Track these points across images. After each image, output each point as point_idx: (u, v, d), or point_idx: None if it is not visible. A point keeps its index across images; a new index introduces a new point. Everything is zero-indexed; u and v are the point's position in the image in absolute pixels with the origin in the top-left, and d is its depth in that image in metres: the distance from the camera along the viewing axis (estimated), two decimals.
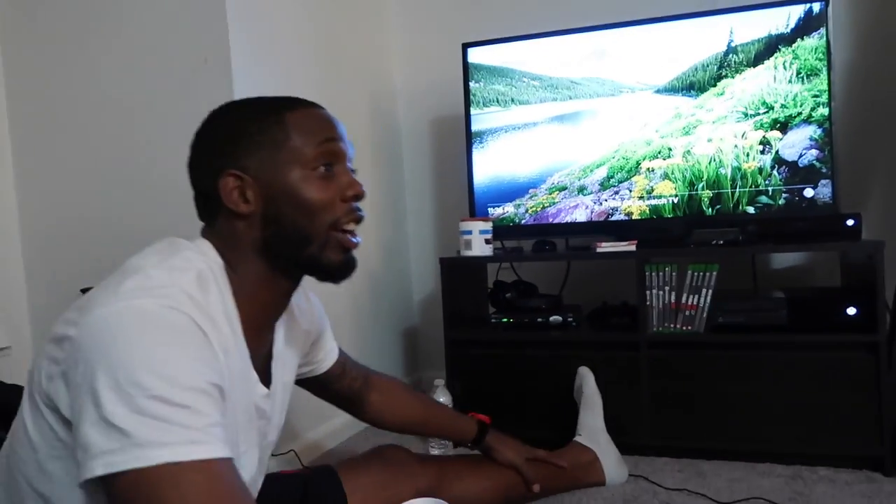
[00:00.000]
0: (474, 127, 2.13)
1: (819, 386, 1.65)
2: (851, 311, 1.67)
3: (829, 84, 1.80)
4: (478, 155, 2.13)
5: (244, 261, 0.85)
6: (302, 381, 1.20)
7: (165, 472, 0.62)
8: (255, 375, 0.88)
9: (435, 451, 1.87)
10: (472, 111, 2.13)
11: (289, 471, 1.29)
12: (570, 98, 2.05)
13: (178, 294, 0.71)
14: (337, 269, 0.88)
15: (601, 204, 2.01)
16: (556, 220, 2.06)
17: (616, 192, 2.00)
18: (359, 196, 0.88)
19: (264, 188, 0.83)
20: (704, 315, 1.76)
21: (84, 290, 0.91)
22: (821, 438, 1.65)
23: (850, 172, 2.00)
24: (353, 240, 0.89)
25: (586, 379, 1.76)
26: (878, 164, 2.04)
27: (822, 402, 1.64)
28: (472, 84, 2.13)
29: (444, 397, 1.90)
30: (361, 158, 2.32)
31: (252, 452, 0.89)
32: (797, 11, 1.83)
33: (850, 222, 1.70)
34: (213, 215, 0.86)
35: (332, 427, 2.01)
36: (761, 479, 1.61)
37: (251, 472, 0.90)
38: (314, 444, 1.92)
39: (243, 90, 1.70)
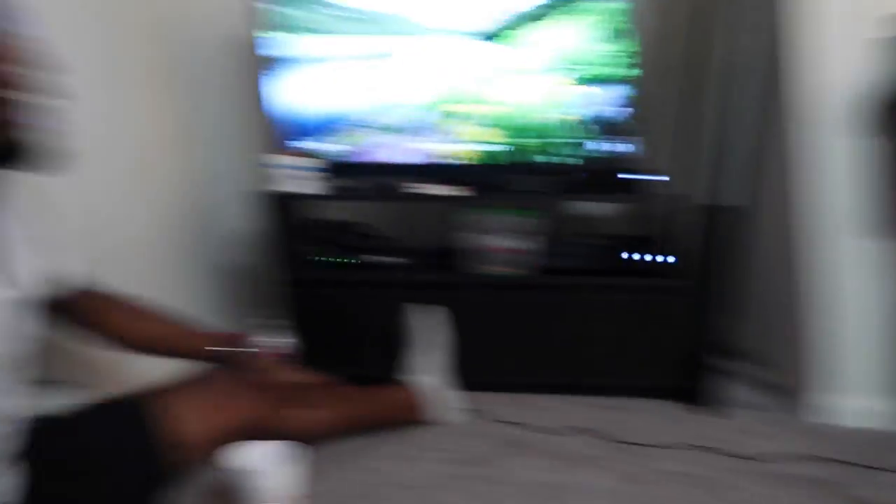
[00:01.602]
0: (284, 54, 1.94)
1: (635, 325, 1.78)
2: (660, 258, 1.84)
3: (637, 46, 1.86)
4: (283, 84, 1.95)
5: None
6: None
7: None
8: None
9: None
10: (269, 35, 1.93)
11: (107, 399, 1.12)
12: (380, 34, 1.94)
13: None
14: None
15: (421, 146, 1.97)
16: (378, 160, 1.98)
17: (434, 135, 1.96)
18: None
19: None
20: (529, 258, 1.83)
21: None
22: (639, 373, 1.79)
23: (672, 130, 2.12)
24: (19, 117, 0.78)
25: (417, 317, 1.73)
26: (687, 124, 2.15)
27: (637, 340, 1.78)
28: (272, 7, 1.92)
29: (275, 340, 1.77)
30: (147, 81, 2.01)
31: None
32: None
33: (655, 178, 1.83)
34: None
35: None
36: (588, 410, 1.74)
37: None
38: None
39: None
